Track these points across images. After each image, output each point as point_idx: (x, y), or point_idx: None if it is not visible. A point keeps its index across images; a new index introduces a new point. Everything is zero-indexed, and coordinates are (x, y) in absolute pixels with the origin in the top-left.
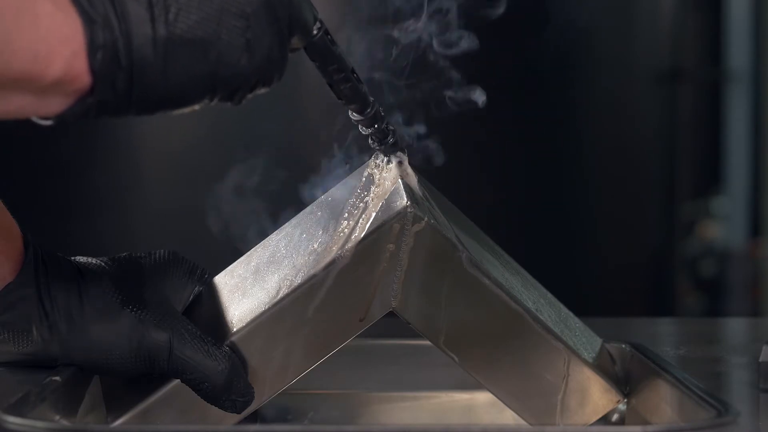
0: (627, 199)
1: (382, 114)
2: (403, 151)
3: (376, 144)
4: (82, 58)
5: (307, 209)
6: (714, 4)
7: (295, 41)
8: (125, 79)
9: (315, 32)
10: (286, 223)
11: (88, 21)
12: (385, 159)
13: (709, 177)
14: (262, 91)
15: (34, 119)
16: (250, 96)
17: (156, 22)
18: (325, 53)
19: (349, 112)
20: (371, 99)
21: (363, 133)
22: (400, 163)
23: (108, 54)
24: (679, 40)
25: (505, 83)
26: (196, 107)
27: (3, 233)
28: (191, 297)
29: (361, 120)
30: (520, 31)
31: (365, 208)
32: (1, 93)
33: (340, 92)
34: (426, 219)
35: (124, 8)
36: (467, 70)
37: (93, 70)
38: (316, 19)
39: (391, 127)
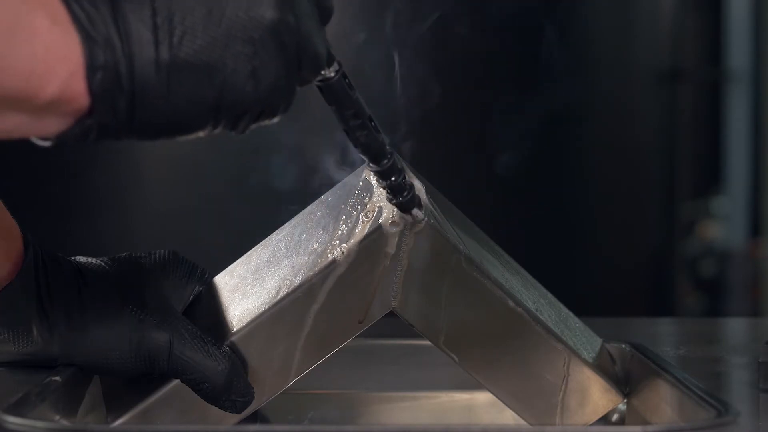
0: (627, 199)
1: (400, 168)
2: (419, 207)
3: (390, 197)
4: (81, 78)
5: (308, 209)
6: (714, 4)
7: (305, 74)
8: (126, 102)
9: (332, 75)
10: (286, 223)
11: (88, 40)
12: (402, 217)
13: (709, 177)
14: (267, 122)
15: (33, 140)
16: (254, 126)
17: (160, 44)
18: (341, 97)
19: (365, 162)
20: (389, 150)
21: (377, 184)
22: (412, 224)
23: (108, 75)
24: (679, 40)
25: (506, 83)
26: (201, 134)
27: (3, 233)
28: (191, 297)
29: (377, 171)
30: (520, 31)
31: (365, 208)
32: None
33: (356, 140)
34: (426, 219)
35: (127, 29)
36: (468, 69)
37: (92, 91)
38: (333, 59)
39: (408, 182)
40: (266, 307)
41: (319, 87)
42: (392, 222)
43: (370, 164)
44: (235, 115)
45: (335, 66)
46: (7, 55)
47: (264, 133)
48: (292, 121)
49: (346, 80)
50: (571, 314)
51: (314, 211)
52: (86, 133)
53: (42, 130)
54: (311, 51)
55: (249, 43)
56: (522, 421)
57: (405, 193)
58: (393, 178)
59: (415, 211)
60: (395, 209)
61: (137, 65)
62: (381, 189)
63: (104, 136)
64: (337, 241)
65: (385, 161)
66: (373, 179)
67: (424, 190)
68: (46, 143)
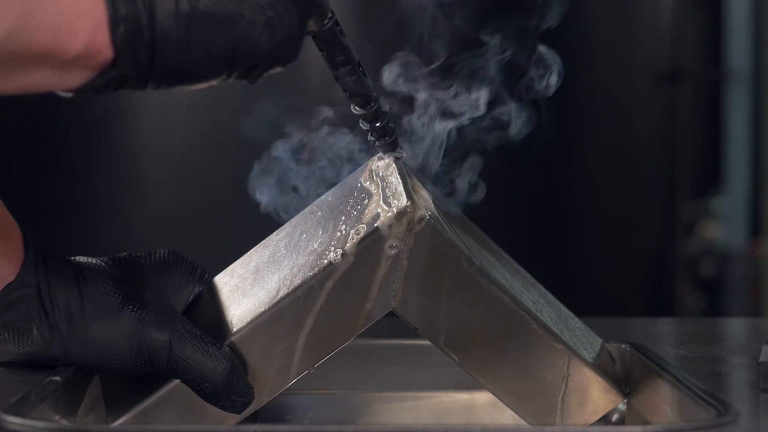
0: (627, 199)
1: (384, 111)
2: (401, 148)
3: (374, 140)
4: (104, 32)
5: (307, 209)
6: (714, 4)
7: (311, 24)
8: (147, 53)
9: (326, 22)
10: (286, 223)
11: None
12: (385, 157)
13: (709, 177)
14: (277, 70)
15: (56, 92)
16: (266, 75)
17: None
18: (333, 43)
19: (352, 106)
20: (375, 95)
21: (363, 127)
22: (397, 160)
23: (130, 28)
24: (679, 40)
25: (505, 83)
26: (214, 83)
27: (3, 233)
28: (191, 297)
29: (363, 114)
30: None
31: (365, 208)
32: (24, 68)
33: (344, 84)
34: (426, 219)
35: None
36: (468, 69)
37: (115, 44)
38: (328, 7)
39: (391, 125)
40: (266, 307)
41: (312, 35)
42: (390, 225)
43: (356, 108)
44: (249, 64)
45: (329, 14)
46: (36, 14)
47: (265, 132)
48: (294, 121)
49: (338, 27)
50: (571, 314)
51: (314, 211)
52: (107, 84)
53: (66, 84)
54: (320, 3)
55: None
56: (522, 421)
57: (388, 136)
58: (377, 122)
59: (399, 151)
60: (392, 212)
61: (158, 16)
62: (379, 184)
63: (124, 86)
64: (336, 242)
65: (371, 105)
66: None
67: (431, 199)
68: (68, 94)
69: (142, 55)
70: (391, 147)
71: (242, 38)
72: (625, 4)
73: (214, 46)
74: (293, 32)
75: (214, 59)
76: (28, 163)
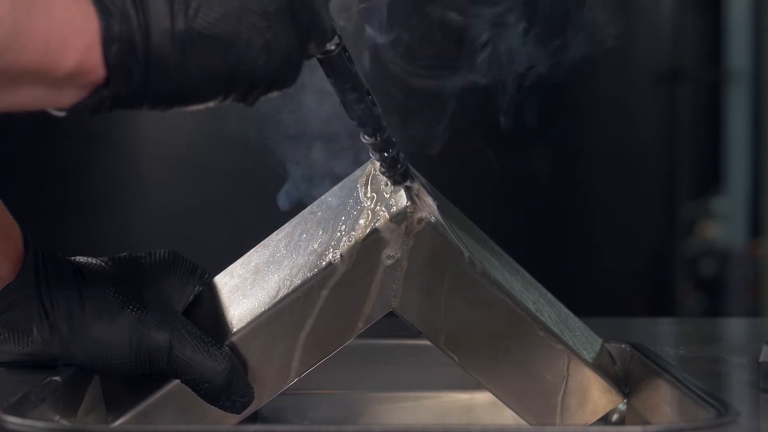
0: (627, 200)
1: (394, 141)
2: (411, 179)
3: (384, 170)
4: (97, 51)
5: (307, 209)
6: (714, 4)
7: (312, 48)
8: (141, 73)
9: (333, 48)
10: (286, 223)
11: (104, 12)
12: (397, 188)
13: (709, 177)
14: (275, 93)
15: (49, 110)
16: (263, 98)
17: (175, 16)
18: (340, 70)
19: (361, 135)
20: (384, 124)
21: (372, 156)
22: (408, 189)
23: (124, 47)
24: (679, 40)
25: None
26: (210, 104)
27: (3, 233)
28: (191, 297)
29: (372, 143)
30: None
31: (365, 209)
32: (14, 85)
33: (352, 112)
34: (426, 219)
35: (143, 1)
36: (467, 69)
37: (108, 63)
38: (335, 33)
39: (401, 155)
40: (266, 307)
41: (319, 59)
42: (389, 227)
43: (365, 137)
44: (246, 86)
45: (336, 39)
46: (26, 30)
47: (265, 132)
48: (295, 120)
49: (346, 54)
50: (571, 314)
51: (314, 211)
52: (101, 103)
53: (58, 102)
54: (321, 25)
55: (263, 17)
56: (522, 421)
57: (398, 166)
58: (386, 152)
59: (408, 182)
60: (391, 214)
61: (153, 36)
62: (379, 184)
63: (118, 106)
64: (336, 243)
65: (380, 135)
66: (369, 178)
67: (435, 206)
68: (61, 113)
69: (136, 74)
70: (401, 177)
71: (239, 60)
72: (625, 4)
73: (211, 67)
74: (292, 55)
75: (210, 81)
76: (28, 163)
